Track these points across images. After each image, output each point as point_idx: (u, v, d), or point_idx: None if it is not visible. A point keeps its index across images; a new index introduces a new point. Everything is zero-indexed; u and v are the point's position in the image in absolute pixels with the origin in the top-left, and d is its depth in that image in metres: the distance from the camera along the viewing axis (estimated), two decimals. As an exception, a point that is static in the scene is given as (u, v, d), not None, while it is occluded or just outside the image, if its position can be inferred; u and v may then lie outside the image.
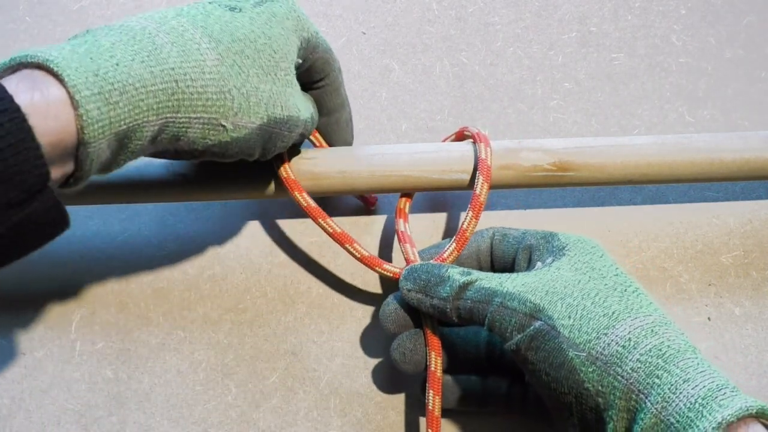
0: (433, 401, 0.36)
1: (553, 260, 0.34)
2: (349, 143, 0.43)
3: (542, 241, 0.36)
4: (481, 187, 0.39)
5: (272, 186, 0.41)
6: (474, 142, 0.40)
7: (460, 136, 0.43)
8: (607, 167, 0.40)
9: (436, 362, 0.36)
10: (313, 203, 0.39)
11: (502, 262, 0.38)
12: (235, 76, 0.31)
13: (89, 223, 0.45)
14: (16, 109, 0.25)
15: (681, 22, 0.50)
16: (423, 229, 0.44)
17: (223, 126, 0.31)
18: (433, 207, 0.45)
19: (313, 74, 0.39)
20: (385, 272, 0.38)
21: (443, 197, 0.45)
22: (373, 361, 0.42)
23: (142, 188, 0.40)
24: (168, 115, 0.30)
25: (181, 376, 0.41)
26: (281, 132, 0.35)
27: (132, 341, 0.42)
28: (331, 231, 0.39)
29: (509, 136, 0.47)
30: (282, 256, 0.44)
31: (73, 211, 0.45)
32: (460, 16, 0.50)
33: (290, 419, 0.41)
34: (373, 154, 0.41)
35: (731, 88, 0.48)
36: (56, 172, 0.28)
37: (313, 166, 0.40)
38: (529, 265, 0.36)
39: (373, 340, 0.42)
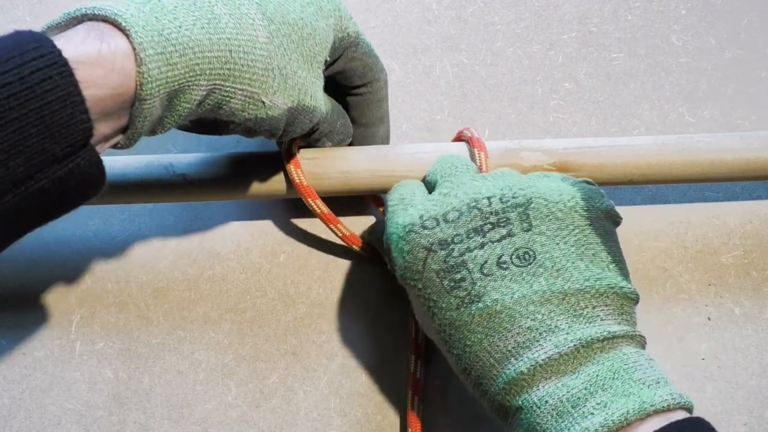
0: (411, 401, 0.38)
1: None
2: None
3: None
4: None
5: (274, 186, 0.41)
6: (470, 147, 0.40)
7: (458, 139, 0.43)
8: (607, 167, 0.40)
9: (415, 365, 0.38)
10: (326, 209, 0.40)
11: None
12: (280, 56, 0.32)
13: (89, 223, 0.45)
14: (65, 63, 0.25)
15: (681, 22, 0.50)
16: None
17: (263, 102, 0.32)
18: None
19: (353, 78, 0.38)
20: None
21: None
22: (373, 361, 0.42)
23: (142, 188, 0.40)
24: (217, 82, 0.30)
25: (181, 376, 0.41)
26: (303, 119, 0.35)
27: (132, 341, 0.42)
28: (347, 234, 0.41)
29: (509, 136, 0.47)
30: (282, 256, 0.44)
31: (73, 210, 0.45)
32: (460, 16, 0.50)
33: (290, 419, 0.41)
34: (373, 154, 0.41)
35: (731, 88, 0.48)
36: (108, 127, 0.28)
37: (314, 167, 0.40)
38: None
39: (373, 340, 0.42)
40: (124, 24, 0.27)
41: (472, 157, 0.39)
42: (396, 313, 0.42)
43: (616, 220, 0.34)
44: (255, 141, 0.47)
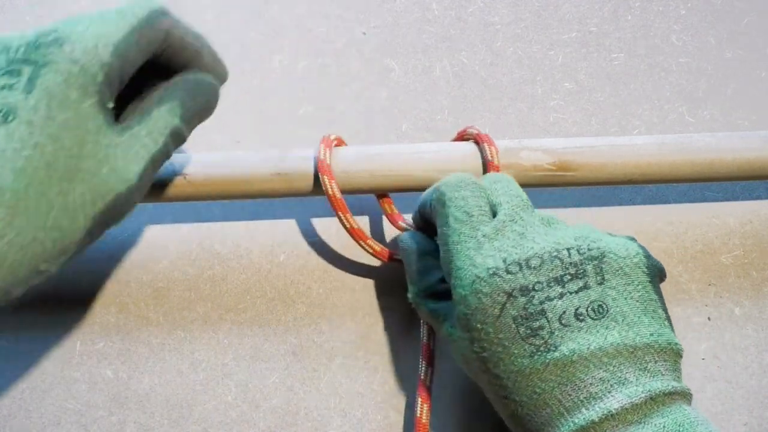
0: (421, 409, 0.37)
1: (456, 317, 0.33)
2: (224, 77, 0.37)
3: (447, 274, 0.34)
4: None
5: (274, 186, 0.41)
6: (478, 143, 0.40)
7: (461, 139, 0.43)
8: (607, 167, 0.40)
9: (425, 373, 0.38)
10: (356, 224, 0.40)
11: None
12: (33, 216, 0.27)
13: (89, 223, 0.45)
14: None
15: (681, 22, 0.50)
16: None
17: (43, 269, 0.28)
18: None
19: (177, 59, 0.33)
20: None
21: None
22: (373, 361, 0.42)
23: (142, 188, 0.40)
24: None
25: (181, 376, 0.41)
26: (125, 208, 0.31)
27: (132, 341, 0.42)
28: (377, 249, 0.41)
29: (509, 136, 0.47)
30: (282, 256, 0.44)
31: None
32: (460, 16, 0.50)
33: (290, 419, 0.41)
34: (373, 154, 0.41)
35: (731, 88, 0.48)
36: None
37: (314, 166, 0.40)
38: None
39: (373, 340, 0.42)
40: None
41: (482, 154, 0.40)
42: (396, 314, 0.42)
43: (662, 277, 0.34)
44: (255, 140, 0.47)
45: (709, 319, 0.43)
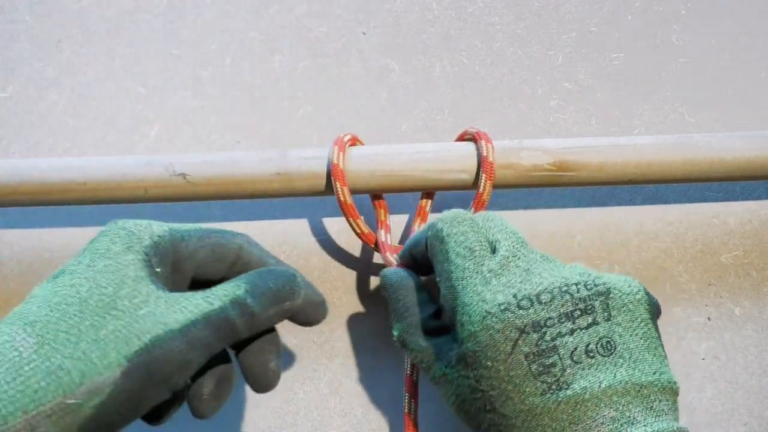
0: (409, 405, 0.37)
1: (457, 355, 0.32)
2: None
3: (450, 310, 0.33)
4: (484, 185, 0.39)
5: (274, 186, 0.41)
6: (475, 141, 0.41)
7: (461, 140, 0.43)
8: (607, 167, 0.40)
9: (411, 368, 0.38)
10: (367, 229, 0.40)
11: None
12: (62, 345, 0.27)
13: (89, 223, 0.45)
14: None
15: (681, 22, 0.50)
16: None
17: (71, 403, 0.27)
18: (439, 208, 0.45)
19: (208, 271, 0.33)
20: None
21: (449, 198, 0.45)
22: (373, 361, 0.42)
23: (143, 188, 0.40)
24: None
25: (181, 376, 0.41)
26: (168, 357, 0.29)
27: (132, 341, 0.42)
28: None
29: (509, 136, 0.47)
30: (282, 257, 0.44)
31: (73, 211, 0.45)
32: (460, 16, 0.50)
33: (290, 419, 0.41)
34: (373, 154, 0.41)
35: (731, 88, 0.48)
36: None
37: (314, 166, 0.40)
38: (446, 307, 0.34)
39: (374, 340, 0.42)
40: None
41: (478, 151, 0.40)
42: (396, 313, 0.42)
43: (659, 314, 0.34)
44: (255, 140, 0.47)
45: (709, 319, 0.42)
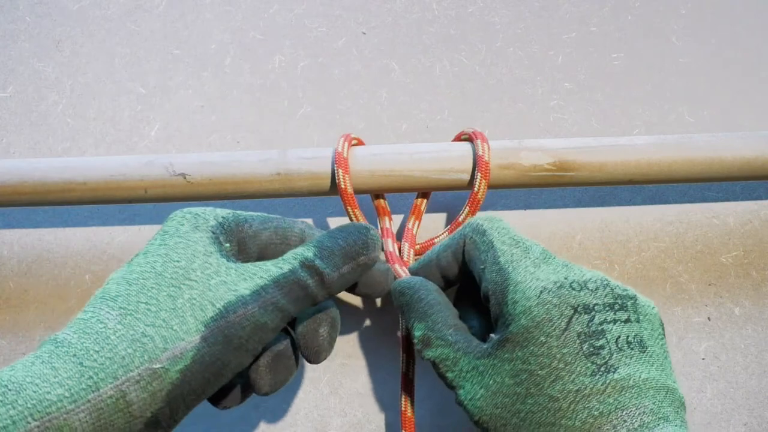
0: (405, 403, 0.37)
1: (500, 339, 0.32)
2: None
3: (499, 292, 0.33)
4: (479, 185, 0.39)
5: (273, 186, 0.41)
6: (471, 141, 0.41)
7: (458, 140, 0.43)
8: (607, 167, 0.40)
9: (407, 366, 0.38)
10: (363, 219, 0.40)
11: (472, 268, 0.36)
12: (143, 314, 0.29)
13: (89, 223, 0.45)
14: None
15: (681, 22, 0.50)
16: (423, 231, 0.44)
17: (157, 368, 0.28)
18: (434, 207, 0.45)
19: (275, 252, 0.35)
20: None
21: (444, 197, 0.45)
22: (373, 361, 0.42)
23: (143, 188, 0.40)
24: (86, 404, 0.27)
25: (181, 376, 0.41)
26: (242, 322, 0.30)
27: (132, 341, 0.42)
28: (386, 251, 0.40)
29: (509, 136, 0.47)
30: (282, 256, 0.44)
31: (73, 211, 0.45)
32: (460, 16, 0.50)
33: (290, 419, 0.41)
34: (373, 154, 0.41)
35: (731, 88, 0.48)
36: None
37: (313, 166, 0.40)
38: (490, 310, 0.34)
39: (373, 340, 0.42)
40: None
41: (474, 149, 0.40)
42: (396, 313, 0.42)
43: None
44: (255, 140, 0.47)
45: (709, 319, 0.43)
